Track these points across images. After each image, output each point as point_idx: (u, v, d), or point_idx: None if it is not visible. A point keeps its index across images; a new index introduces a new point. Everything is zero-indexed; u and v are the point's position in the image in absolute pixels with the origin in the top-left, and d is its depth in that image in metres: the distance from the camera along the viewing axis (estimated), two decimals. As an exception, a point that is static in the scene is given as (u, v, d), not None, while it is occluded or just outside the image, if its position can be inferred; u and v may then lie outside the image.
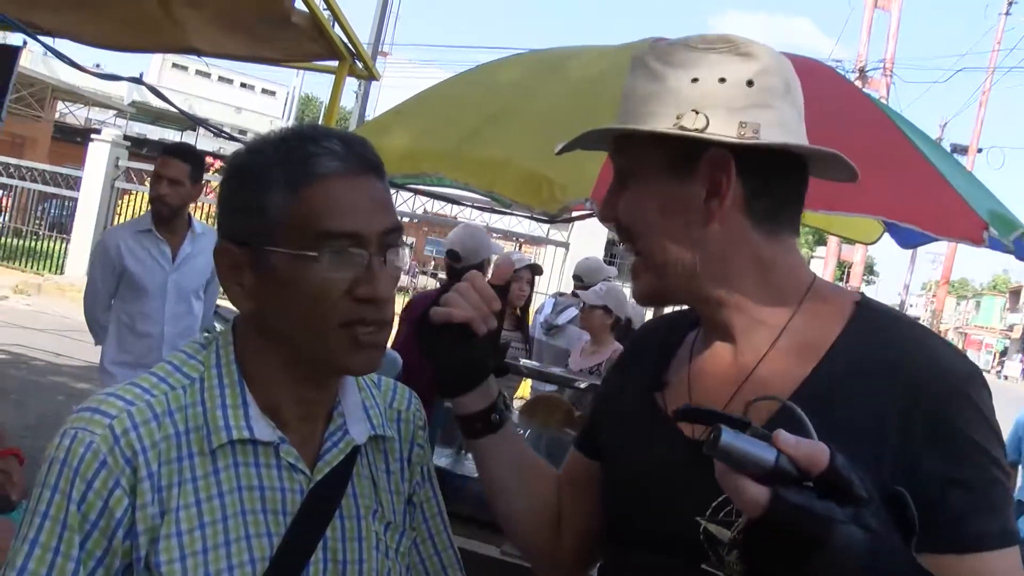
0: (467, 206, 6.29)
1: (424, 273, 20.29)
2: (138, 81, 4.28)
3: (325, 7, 3.56)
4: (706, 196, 1.06)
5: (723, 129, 1.02)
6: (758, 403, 0.98)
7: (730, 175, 1.05)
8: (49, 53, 4.17)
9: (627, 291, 4.77)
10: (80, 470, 0.96)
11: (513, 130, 2.92)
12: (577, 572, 1.34)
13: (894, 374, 0.99)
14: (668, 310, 1.41)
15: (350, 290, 1.00)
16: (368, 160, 1.05)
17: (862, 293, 1.15)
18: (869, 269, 55.71)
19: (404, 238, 1.09)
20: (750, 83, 1.04)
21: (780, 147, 1.04)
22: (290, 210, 1.01)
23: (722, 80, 1.04)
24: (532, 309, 6.04)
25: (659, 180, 1.07)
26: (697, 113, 1.03)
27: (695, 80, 1.04)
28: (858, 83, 16.92)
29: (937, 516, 0.95)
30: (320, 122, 4.32)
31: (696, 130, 1.02)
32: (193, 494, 1.00)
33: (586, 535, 1.27)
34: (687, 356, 1.19)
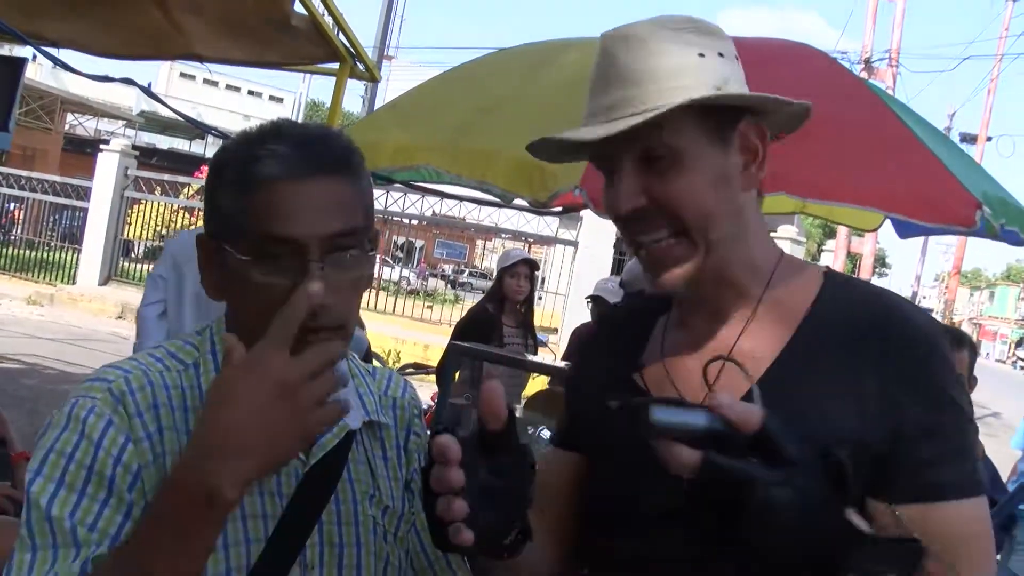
0: (476, 204, 6.31)
1: (435, 276, 20.32)
2: (139, 87, 4.32)
3: (325, 10, 3.60)
4: (743, 164, 1.09)
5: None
6: (736, 375, 1.04)
7: (764, 139, 1.10)
8: (56, 66, 4.22)
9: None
10: (87, 432, 0.97)
11: (505, 121, 2.95)
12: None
13: (871, 333, 1.04)
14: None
15: (287, 295, 0.96)
16: (320, 161, 1.02)
17: (827, 266, 1.21)
18: (881, 261, 55.43)
19: (362, 240, 1.05)
20: (736, 57, 1.11)
21: (798, 107, 1.09)
22: (235, 212, 1.01)
23: (721, 55, 1.08)
24: (539, 308, 6.06)
25: (706, 154, 1.06)
26: (727, 84, 1.06)
27: (702, 55, 1.06)
28: (864, 74, 16.86)
29: (914, 465, 1.00)
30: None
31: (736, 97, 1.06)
32: None
33: (573, 540, 1.22)
34: (660, 337, 1.21)
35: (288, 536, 1.04)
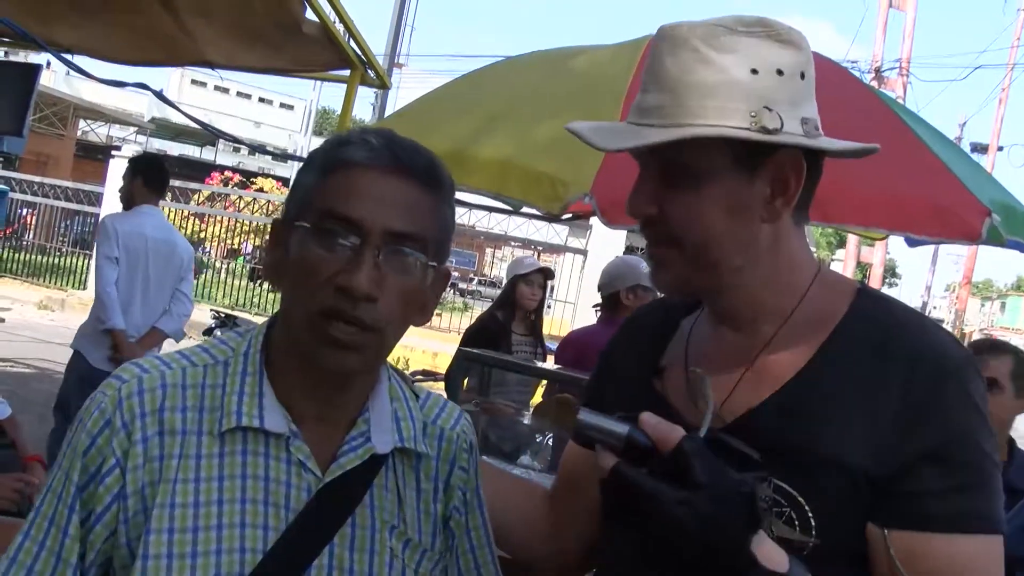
0: (486, 212, 6.33)
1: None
2: (152, 92, 4.35)
3: (336, 17, 3.62)
4: (771, 195, 1.04)
5: (791, 126, 1.00)
6: (756, 384, 1.06)
7: (800, 176, 1.04)
8: (71, 73, 4.28)
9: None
10: (88, 427, 1.01)
11: (516, 129, 2.96)
12: (582, 572, 1.34)
13: (892, 353, 1.02)
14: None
15: (334, 276, 0.98)
16: (405, 161, 1.02)
17: (862, 281, 1.16)
18: (891, 271, 55.24)
19: (427, 253, 1.03)
20: (803, 75, 1.03)
21: (844, 151, 1.04)
22: (314, 191, 1.02)
23: (780, 72, 1.01)
24: (548, 316, 6.05)
25: (726, 180, 1.02)
26: (770, 110, 0.99)
27: (755, 72, 1.00)
28: (874, 83, 16.83)
29: (913, 492, 0.97)
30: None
31: (775, 130, 0.99)
32: (194, 471, 1.00)
33: (590, 536, 1.25)
34: (683, 342, 1.19)
35: (291, 552, 1.01)
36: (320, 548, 1.02)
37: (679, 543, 0.86)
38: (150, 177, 4.64)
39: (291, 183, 1.10)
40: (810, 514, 1.00)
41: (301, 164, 1.11)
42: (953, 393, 0.99)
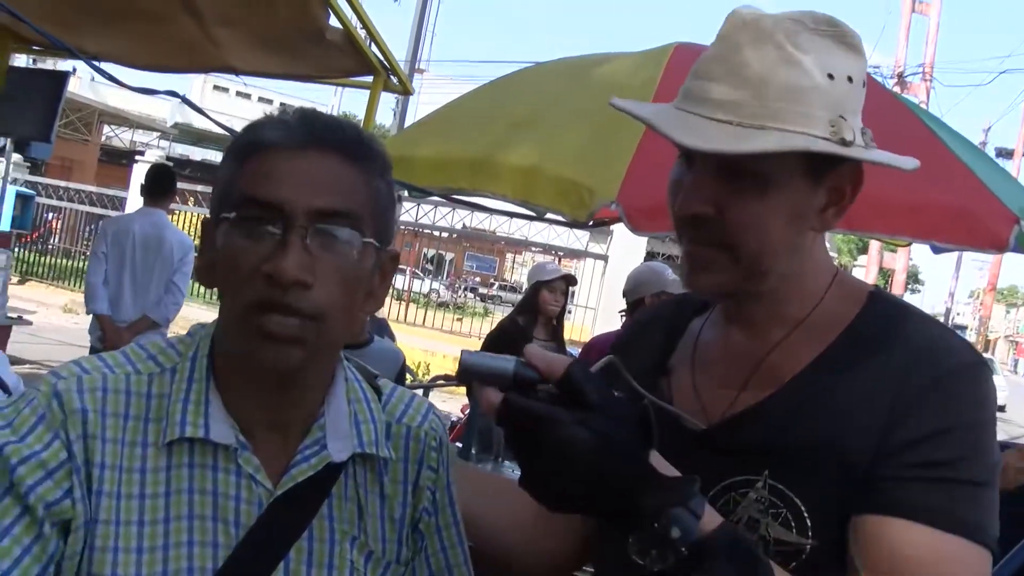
0: (507, 217, 6.32)
1: (464, 288, 20.32)
2: (182, 99, 4.40)
3: (359, 24, 3.64)
4: (825, 204, 1.02)
5: (858, 138, 0.97)
6: (762, 383, 1.05)
7: (857, 187, 1.02)
8: (96, 78, 4.38)
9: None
10: (15, 425, 0.90)
11: (541, 136, 2.95)
12: (575, 570, 1.32)
13: (894, 353, 0.99)
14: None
15: (261, 265, 0.90)
16: (324, 136, 0.95)
17: (876, 286, 1.14)
18: (913, 277, 54.69)
19: (359, 229, 0.95)
20: (864, 83, 1.00)
21: (902, 167, 1.00)
22: (232, 181, 0.95)
23: (850, 79, 0.97)
24: (569, 322, 6.04)
25: (793, 188, 0.99)
26: (844, 120, 0.95)
27: (831, 76, 0.95)
28: (896, 89, 16.71)
29: (886, 478, 0.93)
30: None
31: (850, 142, 0.95)
32: (139, 485, 0.93)
33: (584, 534, 1.22)
34: (692, 343, 1.18)
35: (241, 570, 0.94)
36: (273, 565, 0.96)
37: (577, 466, 0.84)
38: (147, 185, 5.35)
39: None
40: (806, 515, 0.97)
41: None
42: (947, 390, 0.95)
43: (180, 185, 14.75)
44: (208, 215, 1.02)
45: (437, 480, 1.12)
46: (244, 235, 0.92)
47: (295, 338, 0.91)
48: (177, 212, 14.78)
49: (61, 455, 0.90)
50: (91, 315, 5.18)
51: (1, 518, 0.87)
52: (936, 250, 3.78)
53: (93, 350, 4.96)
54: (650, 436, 0.89)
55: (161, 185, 5.37)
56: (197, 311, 12.06)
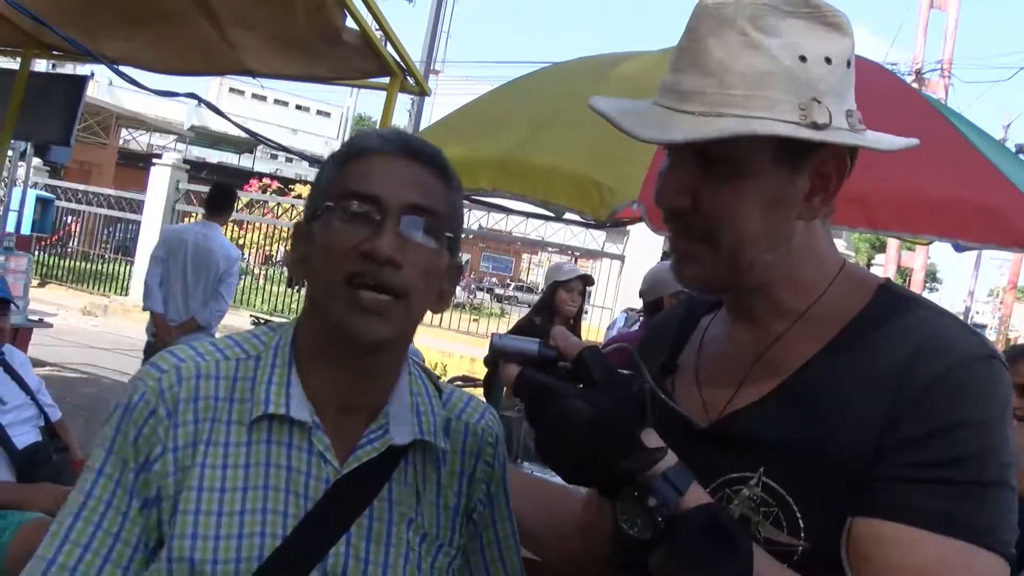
0: (523, 217, 6.33)
1: (481, 289, 20.34)
2: (203, 102, 4.43)
3: (376, 25, 3.64)
4: (809, 191, 1.00)
5: (838, 120, 0.95)
6: (762, 378, 1.05)
7: (842, 173, 1.00)
8: (114, 82, 4.43)
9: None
10: (134, 417, 1.04)
11: (561, 136, 2.94)
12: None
13: (897, 347, 0.95)
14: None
15: (358, 245, 1.01)
16: (414, 148, 1.08)
17: (888, 278, 1.08)
18: (932, 276, 54.27)
19: (440, 230, 1.07)
20: (848, 63, 0.97)
21: (890, 149, 0.99)
22: (333, 182, 1.07)
23: (828, 60, 0.94)
24: (586, 322, 6.03)
25: (768, 175, 0.97)
26: (819, 103, 0.93)
27: (803, 59, 0.93)
28: (915, 85, 16.59)
29: (881, 477, 0.90)
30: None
31: (824, 125, 0.93)
32: (223, 457, 1.04)
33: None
34: (698, 340, 1.18)
35: (308, 539, 1.04)
36: (336, 538, 1.05)
37: (574, 435, 0.89)
38: (208, 200, 6.16)
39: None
40: (799, 515, 0.95)
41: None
42: (953, 384, 0.91)
43: (197, 188, 14.99)
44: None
45: (492, 475, 1.21)
46: (344, 221, 1.03)
47: (384, 310, 1.02)
48: (194, 214, 14.88)
49: (158, 449, 1.03)
50: (147, 312, 5.85)
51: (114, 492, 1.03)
52: (959, 248, 3.74)
53: (148, 344, 5.81)
54: (646, 414, 0.93)
55: (219, 201, 5.99)
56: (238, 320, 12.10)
